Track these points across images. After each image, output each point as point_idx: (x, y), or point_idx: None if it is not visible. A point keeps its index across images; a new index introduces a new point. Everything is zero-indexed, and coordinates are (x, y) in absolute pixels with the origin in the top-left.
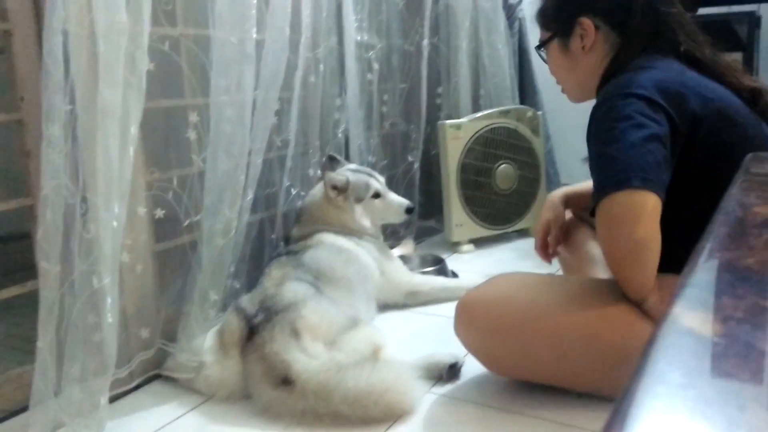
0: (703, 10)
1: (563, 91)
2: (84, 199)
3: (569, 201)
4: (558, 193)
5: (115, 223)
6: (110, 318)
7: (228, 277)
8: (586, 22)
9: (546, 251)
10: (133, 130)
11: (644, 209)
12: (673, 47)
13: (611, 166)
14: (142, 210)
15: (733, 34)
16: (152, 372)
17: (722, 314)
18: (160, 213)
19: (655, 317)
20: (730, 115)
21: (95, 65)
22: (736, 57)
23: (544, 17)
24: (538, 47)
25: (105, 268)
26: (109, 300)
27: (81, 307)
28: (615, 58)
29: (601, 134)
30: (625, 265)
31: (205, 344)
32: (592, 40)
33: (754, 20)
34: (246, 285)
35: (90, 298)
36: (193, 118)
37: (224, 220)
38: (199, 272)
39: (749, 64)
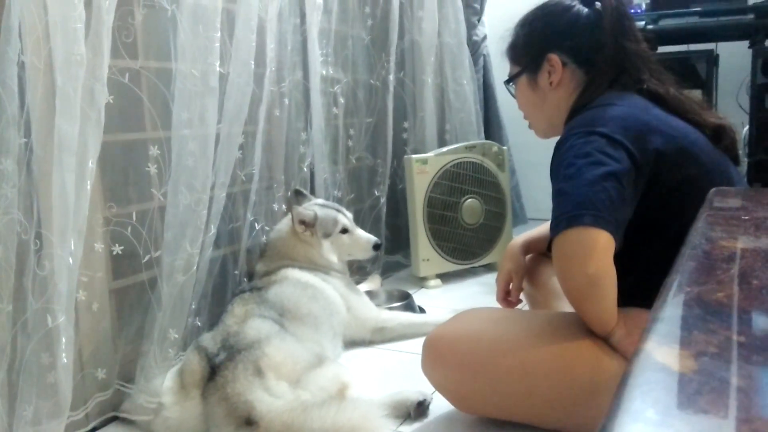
0: (663, 48)
1: (530, 126)
2: (38, 235)
3: (529, 247)
4: (517, 242)
5: (71, 260)
6: (65, 358)
7: (189, 314)
8: (554, 59)
9: (508, 301)
10: (91, 164)
11: (595, 246)
12: (638, 84)
13: (566, 203)
14: (99, 246)
15: (692, 72)
16: (109, 414)
17: (695, 349)
18: (118, 249)
19: (622, 351)
20: (694, 151)
21: (52, 97)
22: (695, 94)
23: (513, 52)
24: (507, 81)
25: (60, 307)
26: (63, 339)
27: (34, 347)
28: (582, 94)
29: (561, 171)
30: (580, 299)
31: (164, 385)
32: (560, 76)
33: (712, 59)
34: (208, 323)
35: (44, 338)
36: (154, 151)
37: (185, 256)
38: (158, 310)
39: (707, 100)
